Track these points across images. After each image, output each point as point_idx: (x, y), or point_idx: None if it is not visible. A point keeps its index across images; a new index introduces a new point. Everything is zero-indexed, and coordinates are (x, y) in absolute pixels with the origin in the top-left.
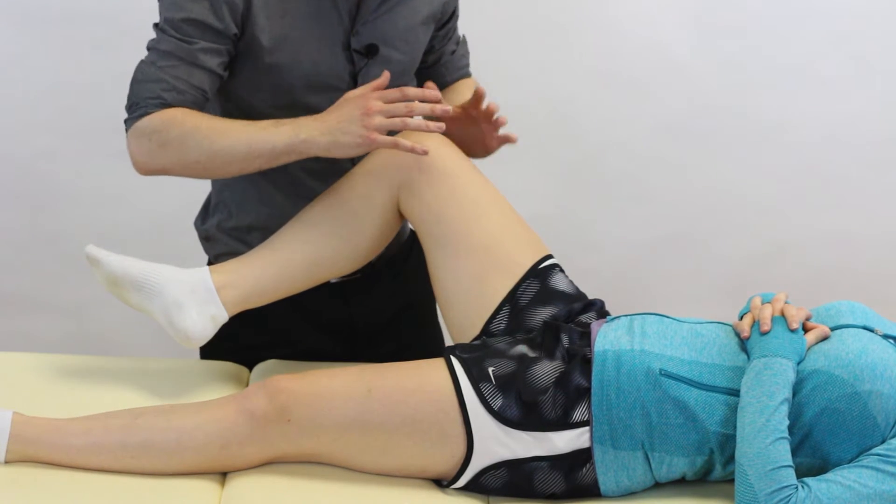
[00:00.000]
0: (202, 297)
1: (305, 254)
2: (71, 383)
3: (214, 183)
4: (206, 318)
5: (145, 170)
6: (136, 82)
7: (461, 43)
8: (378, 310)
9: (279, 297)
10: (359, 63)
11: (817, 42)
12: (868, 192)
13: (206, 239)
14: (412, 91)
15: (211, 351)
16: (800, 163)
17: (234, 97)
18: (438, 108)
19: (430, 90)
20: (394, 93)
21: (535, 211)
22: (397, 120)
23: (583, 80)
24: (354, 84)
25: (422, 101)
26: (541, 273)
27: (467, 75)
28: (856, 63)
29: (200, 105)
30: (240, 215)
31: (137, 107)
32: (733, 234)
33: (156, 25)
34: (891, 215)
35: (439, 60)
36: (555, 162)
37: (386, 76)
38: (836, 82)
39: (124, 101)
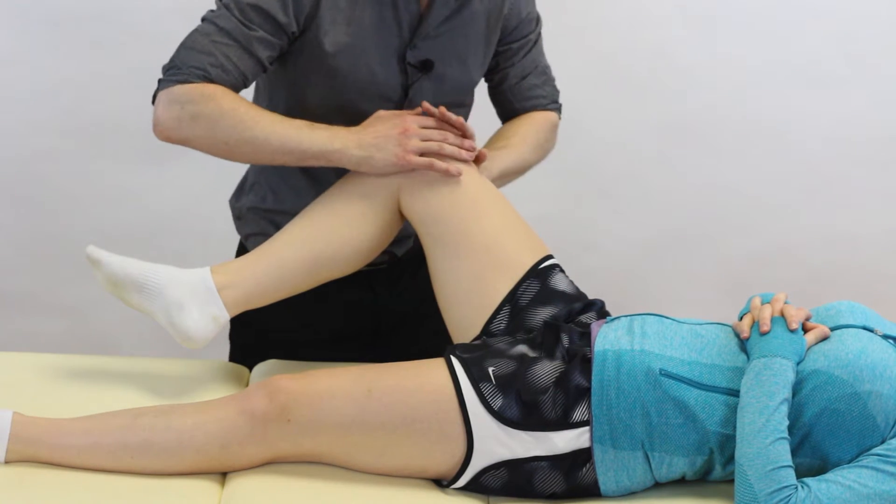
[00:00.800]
0: (203, 297)
1: (306, 254)
2: (71, 383)
3: (254, 164)
4: (208, 319)
5: (166, 136)
6: (184, 47)
7: (538, 73)
8: (403, 300)
9: (281, 297)
10: (412, 76)
11: (817, 42)
12: (868, 192)
13: (237, 217)
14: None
15: (238, 335)
16: (800, 163)
17: (288, 87)
18: (467, 142)
19: (461, 124)
20: (430, 119)
21: (536, 211)
22: (433, 144)
23: (583, 81)
24: (406, 96)
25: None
26: (541, 273)
27: (540, 107)
28: (856, 63)
29: (238, 90)
30: (273, 199)
31: (178, 71)
32: (733, 234)
33: None
34: (891, 215)
35: (503, 83)
36: (555, 162)
37: (422, 108)
38: (836, 82)
39: (125, 102)
